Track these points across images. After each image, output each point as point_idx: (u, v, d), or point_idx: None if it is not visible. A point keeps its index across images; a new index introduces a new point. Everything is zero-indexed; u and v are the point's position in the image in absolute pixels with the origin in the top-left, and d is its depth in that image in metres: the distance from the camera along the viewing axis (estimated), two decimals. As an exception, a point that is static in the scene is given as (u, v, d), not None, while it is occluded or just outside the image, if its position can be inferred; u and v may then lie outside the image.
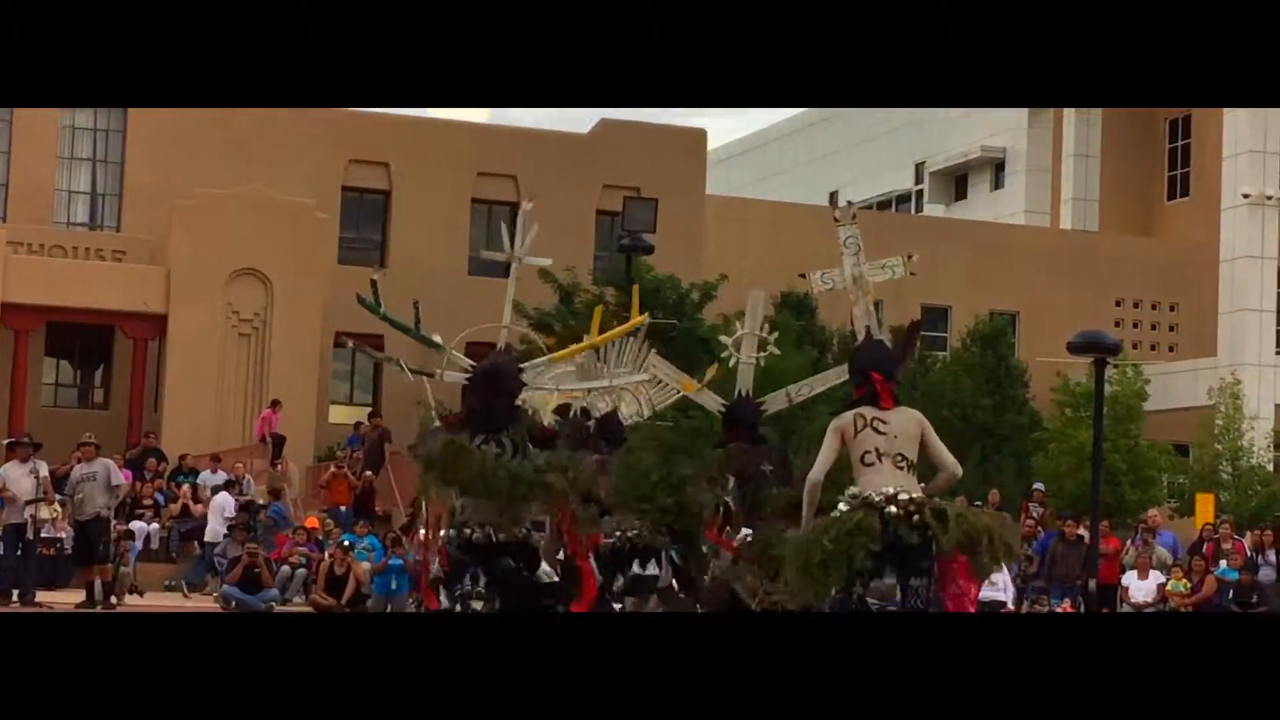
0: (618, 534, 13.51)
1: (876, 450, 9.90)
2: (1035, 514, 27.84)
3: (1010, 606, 24.28)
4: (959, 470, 10.28)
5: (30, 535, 21.74)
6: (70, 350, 39.52)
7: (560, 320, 38.54)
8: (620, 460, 13.89)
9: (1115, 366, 36.00)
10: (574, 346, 13.14)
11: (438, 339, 12.51)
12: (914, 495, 9.72)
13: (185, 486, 29.77)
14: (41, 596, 21.59)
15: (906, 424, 10.10)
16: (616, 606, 13.34)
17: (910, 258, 11.61)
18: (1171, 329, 49.53)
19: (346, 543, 25.65)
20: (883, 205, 59.58)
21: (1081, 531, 25.25)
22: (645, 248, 32.19)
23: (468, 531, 11.13)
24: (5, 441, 25.21)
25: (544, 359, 12.45)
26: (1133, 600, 23.80)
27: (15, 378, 35.75)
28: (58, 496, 22.91)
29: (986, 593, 23.84)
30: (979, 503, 27.23)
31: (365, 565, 25.31)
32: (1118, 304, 48.33)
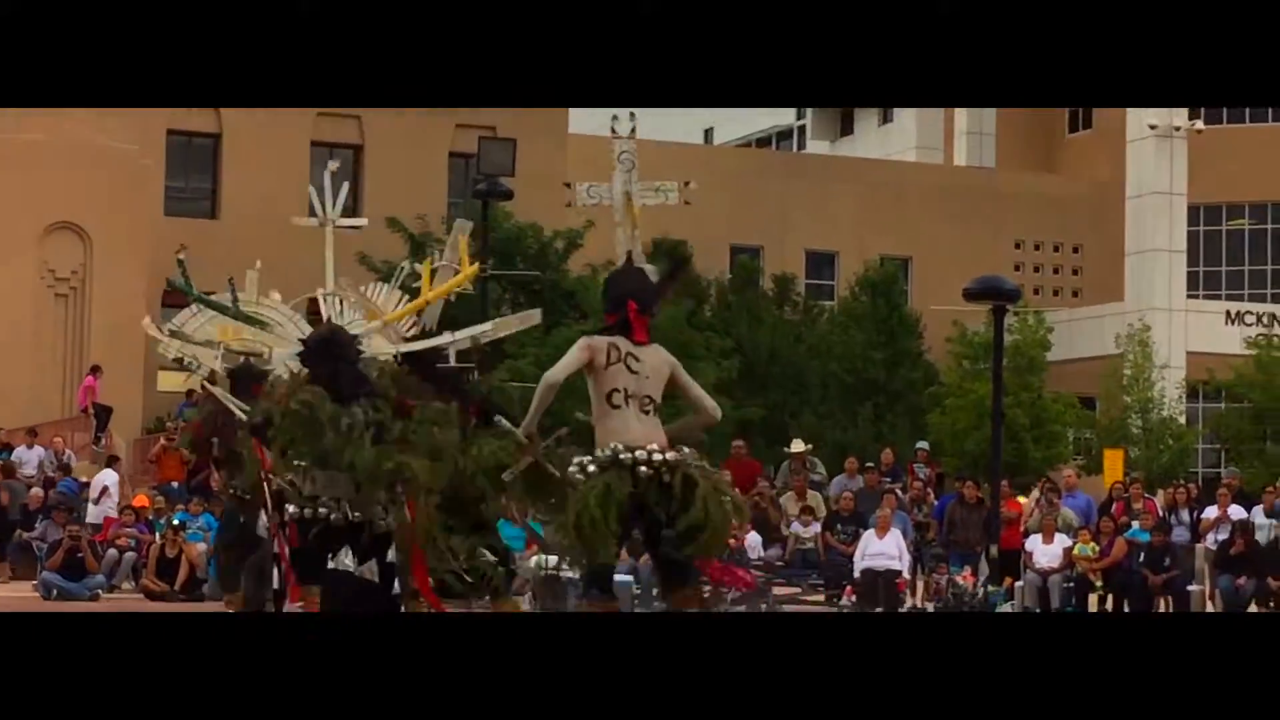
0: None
1: (625, 391, 9.86)
2: (922, 475, 28.07)
3: (906, 575, 24.49)
4: (718, 413, 10.32)
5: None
6: None
7: (411, 273, 38.42)
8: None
9: (1015, 314, 36.40)
10: (406, 307, 13.10)
11: (262, 317, 12.51)
12: (666, 455, 9.76)
13: (-1, 464, 29.40)
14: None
15: (659, 364, 10.03)
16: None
17: (687, 184, 11.54)
18: (1075, 272, 50.15)
19: (179, 522, 25.42)
20: (762, 142, 59.79)
21: (981, 494, 25.49)
22: (503, 193, 31.99)
23: (323, 511, 11.04)
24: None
25: (376, 324, 12.44)
26: (1037, 566, 24.07)
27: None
28: None
29: (880, 561, 24.07)
30: (870, 465, 27.50)
31: (200, 546, 25.11)
32: (1017, 246, 48.85)
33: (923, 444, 30.89)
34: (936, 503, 27.24)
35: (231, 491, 14.71)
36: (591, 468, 9.77)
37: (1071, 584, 23.75)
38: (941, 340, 42.73)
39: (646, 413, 9.89)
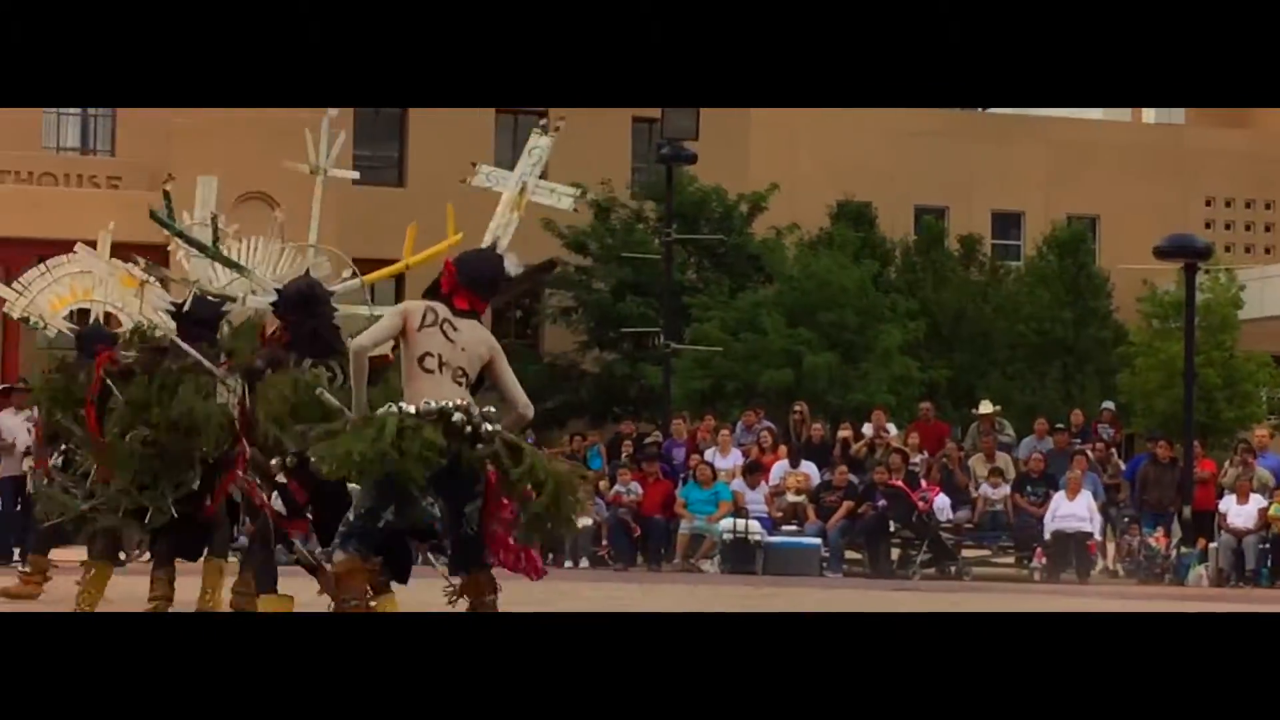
0: None
1: (440, 356, 9.46)
2: (1106, 436, 27.76)
3: (1097, 537, 24.30)
4: (530, 410, 9.83)
5: (30, 489, 21.82)
6: (64, 286, 39.65)
7: (597, 239, 38.57)
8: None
9: (1207, 272, 35.82)
10: (388, 269, 13.08)
11: (242, 261, 12.59)
12: (485, 413, 9.39)
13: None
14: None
15: (477, 342, 9.66)
16: None
17: (584, 195, 11.34)
18: (1267, 229, 49.25)
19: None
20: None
21: (1174, 454, 25.22)
22: (687, 157, 32.10)
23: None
24: None
25: (355, 282, 12.39)
26: (1231, 526, 23.78)
27: (7, 318, 35.83)
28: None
29: (1071, 523, 23.90)
30: (1060, 425, 27.27)
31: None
32: (1208, 203, 48.05)
33: (1108, 404, 30.56)
34: (1127, 464, 27.00)
35: None
36: (410, 409, 9.32)
37: (1267, 545, 23.44)
38: (1130, 299, 42.16)
39: (459, 383, 9.48)
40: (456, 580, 9.78)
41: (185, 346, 12.77)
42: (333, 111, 13.14)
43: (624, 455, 26.79)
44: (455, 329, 9.56)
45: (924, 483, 24.87)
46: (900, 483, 24.39)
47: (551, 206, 11.76)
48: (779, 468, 25.47)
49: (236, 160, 35.58)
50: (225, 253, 12.96)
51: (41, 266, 16.31)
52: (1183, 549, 23.89)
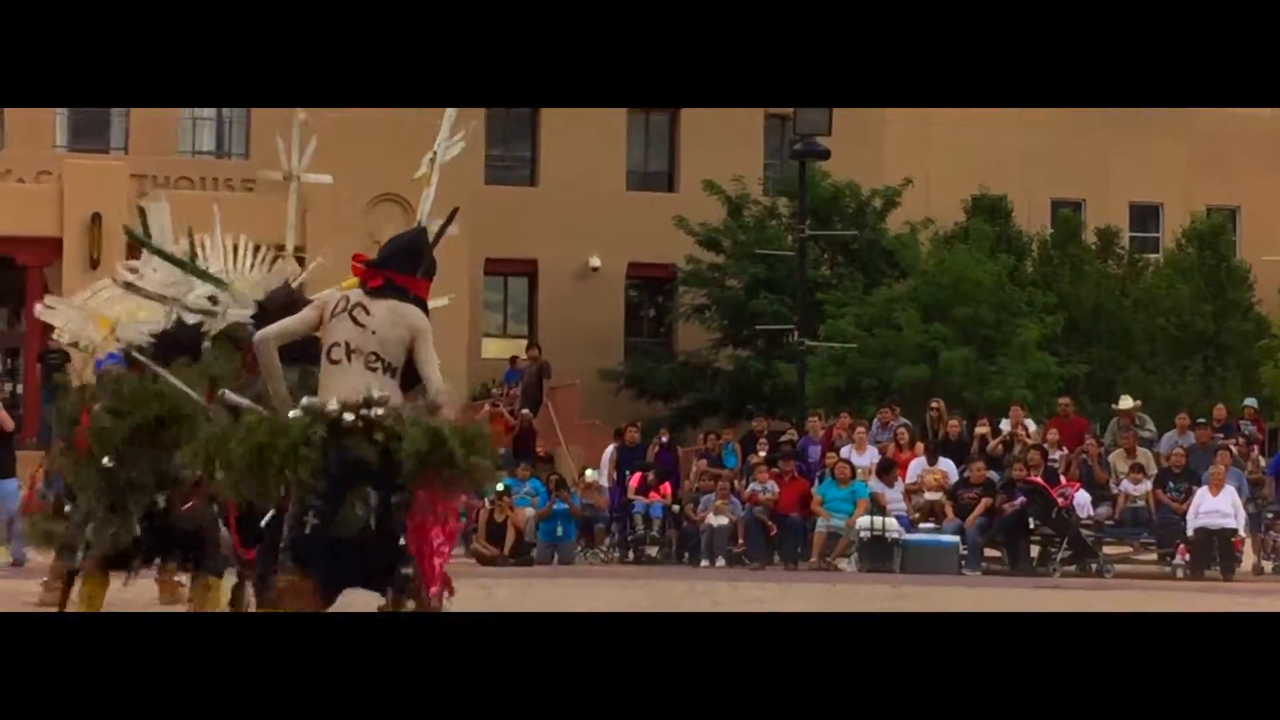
0: None
1: (347, 345, 8.90)
2: (1247, 432, 27.28)
3: (1242, 533, 23.93)
4: (443, 396, 9.01)
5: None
6: (203, 291, 40.03)
7: (730, 236, 38.47)
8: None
9: (1350, 263, 35.30)
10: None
11: (222, 276, 12.50)
12: (378, 400, 8.72)
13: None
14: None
15: (393, 324, 9.01)
16: None
17: (460, 136, 11.15)
18: None
19: (505, 488, 25.78)
20: (1082, 94, 58.80)
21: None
22: (820, 153, 31.97)
23: None
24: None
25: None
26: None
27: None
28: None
29: (1215, 519, 23.54)
30: (1201, 420, 26.88)
31: (528, 511, 25.47)
32: (1351, 192, 47.28)
33: (1250, 401, 30.10)
34: (1271, 459, 26.58)
35: None
36: (295, 413, 8.80)
37: None
38: (1273, 292, 41.58)
39: (373, 370, 8.86)
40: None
41: (171, 378, 12.43)
42: (302, 115, 12.89)
43: (759, 453, 26.69)
44: (368, 313, 9.00)
45: (1063, 479, 24.60)
46: (1039, 479, 24.13)
47: (457, 159, 11.59)
48: (916, 465, 25.28)
49: (368, 162, 35.81)
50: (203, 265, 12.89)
51: (91, 288, 16.33)
52: (1329, 545, 23.51)
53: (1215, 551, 23.54)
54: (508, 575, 21.48)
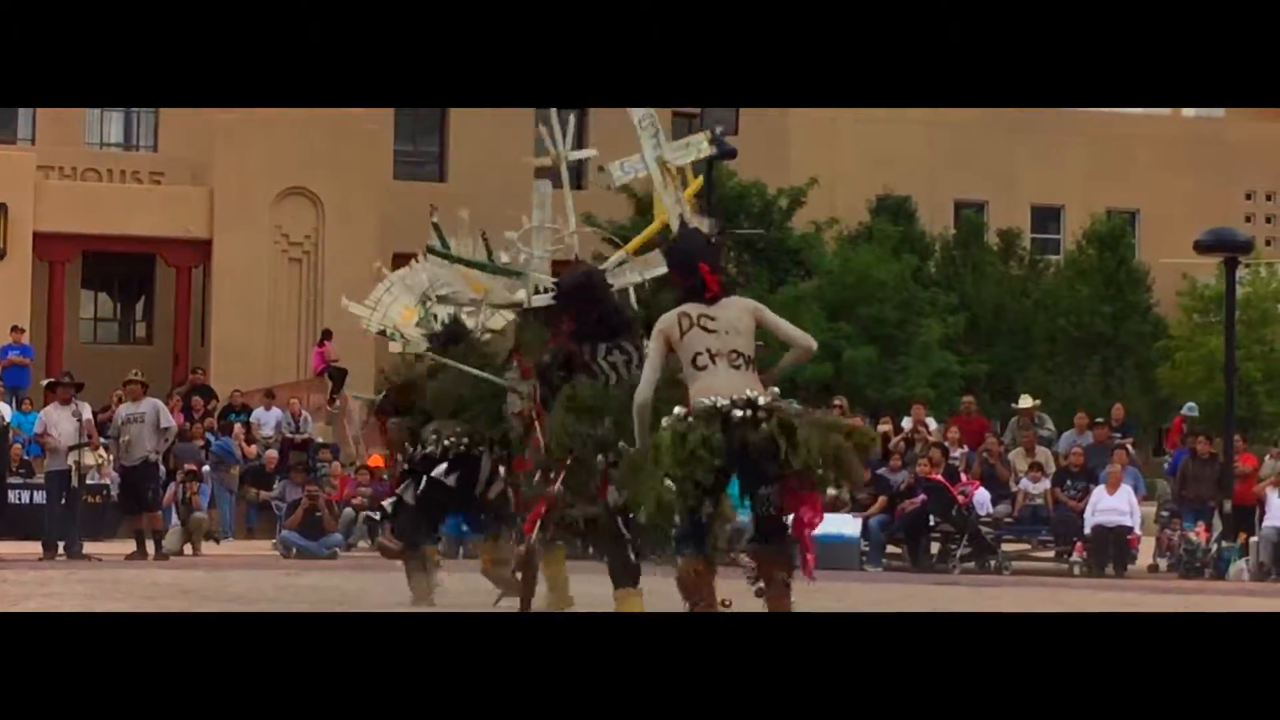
0: (434, 439, 14.39)
1: (709, 351, 9.63)
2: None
3: (1138, 531, 24.21)
4: (812, 344, 10.20)
5: (75, 483, 21.95)
6: (109, 282, 39.88)
7: (636, 232, 38.49)
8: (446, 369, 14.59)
9: (1247, 266, 35.74)
10: (645, 231, 13.14)
11: (516, 267, 12.73)
12: (760, 399, 9.49)
13: (238, 426, 29.99)
14: (89, 548, 21.85)
15: (737, 317, 9.78)
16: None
17: (713, 132, 11.42)
18: (1309, 223, 49.01)
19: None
20: (986, 96, 59.17)
21: (1214, 448, 25.11)
22: (727, 152, 32.03)
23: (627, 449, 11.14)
24: (44, 382, 25.44)
25: (620, 254, 12.56)
26: (1272, 521, 23.66)
27: (51, 313, 36.10)
28: (102, 440, 23.14)
29: (1111, 517, 23.82)
30: (1099, 420, 27.14)
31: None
32: (1248, 197, 47.80)
33: (1190, 409, 30.13)
34: (1170, 460, 26.87)
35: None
36: (673, 421, 9.52)
37: (1308, 540, 23.32)
38: (1170, 293, 42.05)
39: (737, 367, 9.64)
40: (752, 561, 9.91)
41: (463, 367, 13.64)
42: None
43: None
44: (713, 319, 9.70)
45: (964, 477, 24.82)
46: (940, 477, 24.34)
47: (696, 159, 11.81)
48: (819, 462, 25.40)
49: (277, 155, 35.72)
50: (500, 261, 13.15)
51: (387, 281, 16.68)
52: (1223, 543, 23.79)
53: (1111, 549, 23.81)
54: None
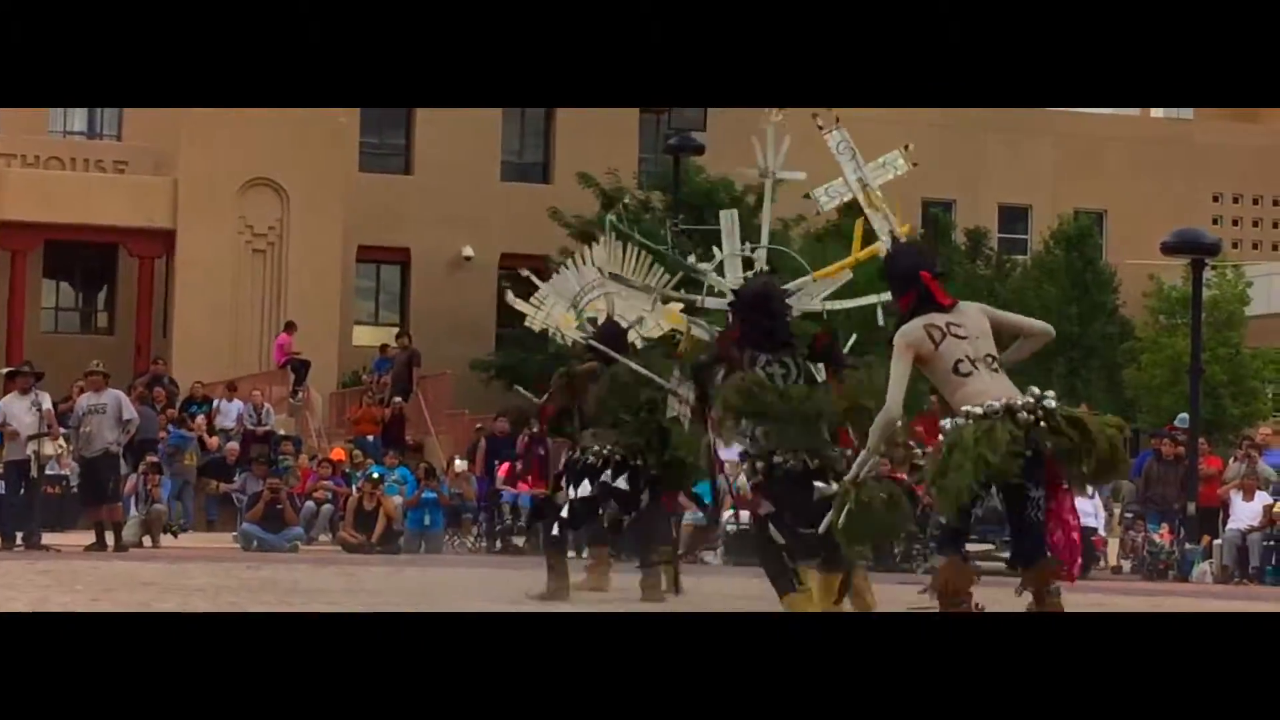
0: (594, 448, 14.46)
1: (968, 358, 9.61)
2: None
3: (1102, 533, 24.26)
4: (1050, 328, 10.27)
5: (34, 473, 21.86)
6: (71, 271, 39.73)
7: (603, 228, 38.48)
8: (605, 374, 14.64)
9: (1214, 268, 35.84)
10: (838, 264, 13.25)
11: (704, 265, 12.87)
12: (1047, 401, 9.49)
13: (200, 418, 29.91)
14: (48, 539, 21.77)
15: (977, 320, 9.83)
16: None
17: (907, 148, 11.47)
18: (1275, 225, 49.20)
19: (376, 475, 25.74)
20: (955, 95, 59.27)
21: (1179, 450, 25.16)
22: (695, 148, 32.05)
23: (780, 460, 11.18)
24: (4, 371, 25.35)
25: (806, 278, 12.69)
26: (1236, 524, 23.73)
27: (12, 302, 35.98)
28: (62, 430, 23.04)
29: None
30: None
31: (397, 499, 25.42)
32: (1215, 199, 47.99)
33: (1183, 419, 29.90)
34: (1134, 461, 26.89)
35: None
36: (977, 410, 9.44)
37: (1271, 542, 23.38)
38: (1137, 295, 42.16)
39: (995, 371, 9.67)
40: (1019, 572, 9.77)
41: (635, 366, 13.95)
42: (777, 116, 13.21)
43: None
44: (960, 326, 9.73)
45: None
46: (904, 476, 24.33)
47: (893, 178, 11.90)
48: (783, 460, 25.40)
49: (243, 146, 35.60)
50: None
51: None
52: (1187, 546, 23.85)
53: (1076, 550, 23.85)
54: (376, 562, 21.45)
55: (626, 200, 14.22)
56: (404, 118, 41.30)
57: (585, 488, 14.45)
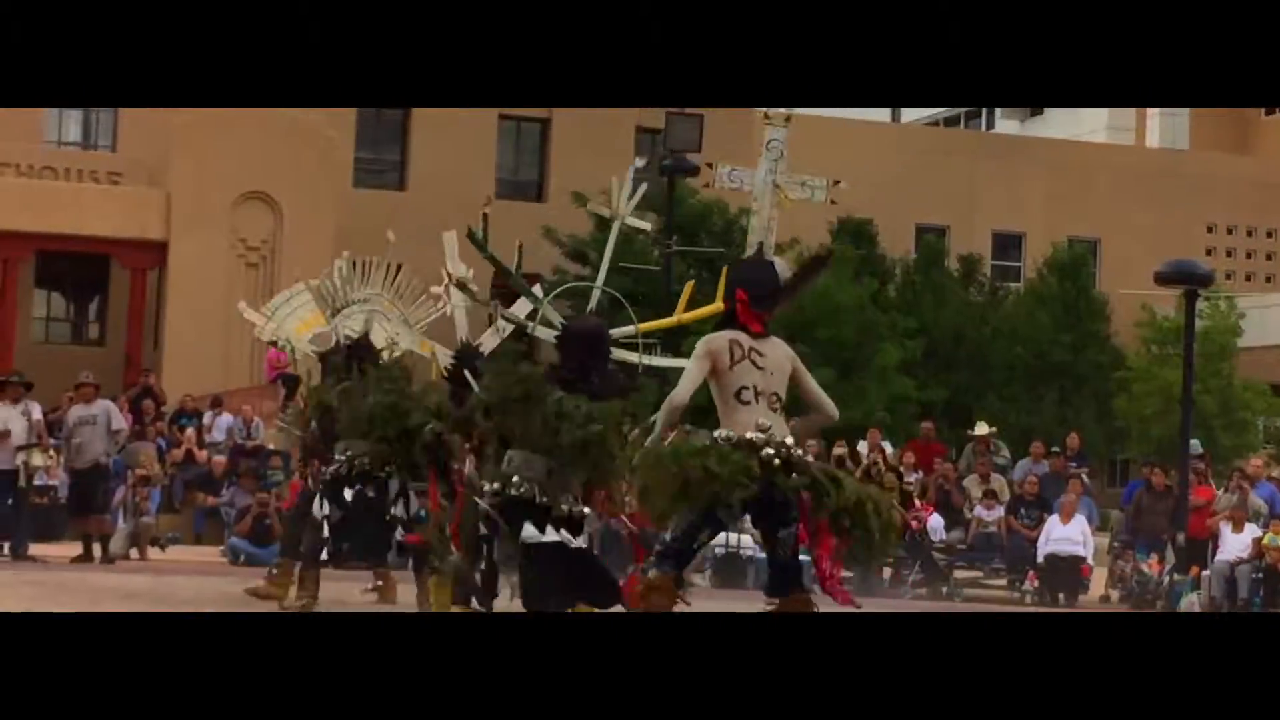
0: (342, 459, 14.74)
1: (755, 387, 9.65)
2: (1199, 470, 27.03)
3: (1090, 561, 24.29)
4: (836, 413, 10.18)
5: (22, 483, 21.86)
6: (62, 281, 39.70)
7: (597, 248, 38.54)
8: (348, 388, 14.99)
9: (1207, 299, 35.85)
10: (660, 322, 13.31)
11: (538, 290, 12.84)
12: (795, 448, 9.58)
13: (189, 431, 29.88)
14: (35, 549, 21.76)
15: (781, 360, 9.85)
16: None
17: (837, 184, 11.38)
18: (1269, 257, 49.30)
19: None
20: (950, 122, 59.40)
21: (1169, 481, 25.19)
22: (690, 169, 32.08)
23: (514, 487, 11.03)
24: (-7, 381, 25.30)
25: (631, 328, 12.64)
26: (1225, 556, 23.75)
27: (3, 311, 35.94)
28: (52, 441, 23.02)
29: (1064, 547, 23.89)
30: (1055, 449, 27.24)
31: (385, 516, 25.38)
32: (1209, 230, 48.08)
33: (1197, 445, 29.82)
34: (1124, 490, 26.93)
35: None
36: (727, 438, 9.50)
37: (1260, 574, 23.40)
38: (1129, 324, 42.22)
39: (775, 410, 9.68)
40: (773, 603, 9.87)
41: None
42: (639, 162, 13.31)
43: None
44: (762, 355, 9.73)
45: (918, 502, 24.85)
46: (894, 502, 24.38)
47: (807, 200, 11.80)
48: (773, 483, 25.42)
49: (236, 158, 35.61)
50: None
51: (286, 293, 17.03)
52: (1176, 576, 23.87)
53: (1064, 578, 23.88)
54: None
55: (485, 209, 14.12)
56: (399, 132, 41.33)
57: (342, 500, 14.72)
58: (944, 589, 24.05)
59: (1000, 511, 24.94)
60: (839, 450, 26.80)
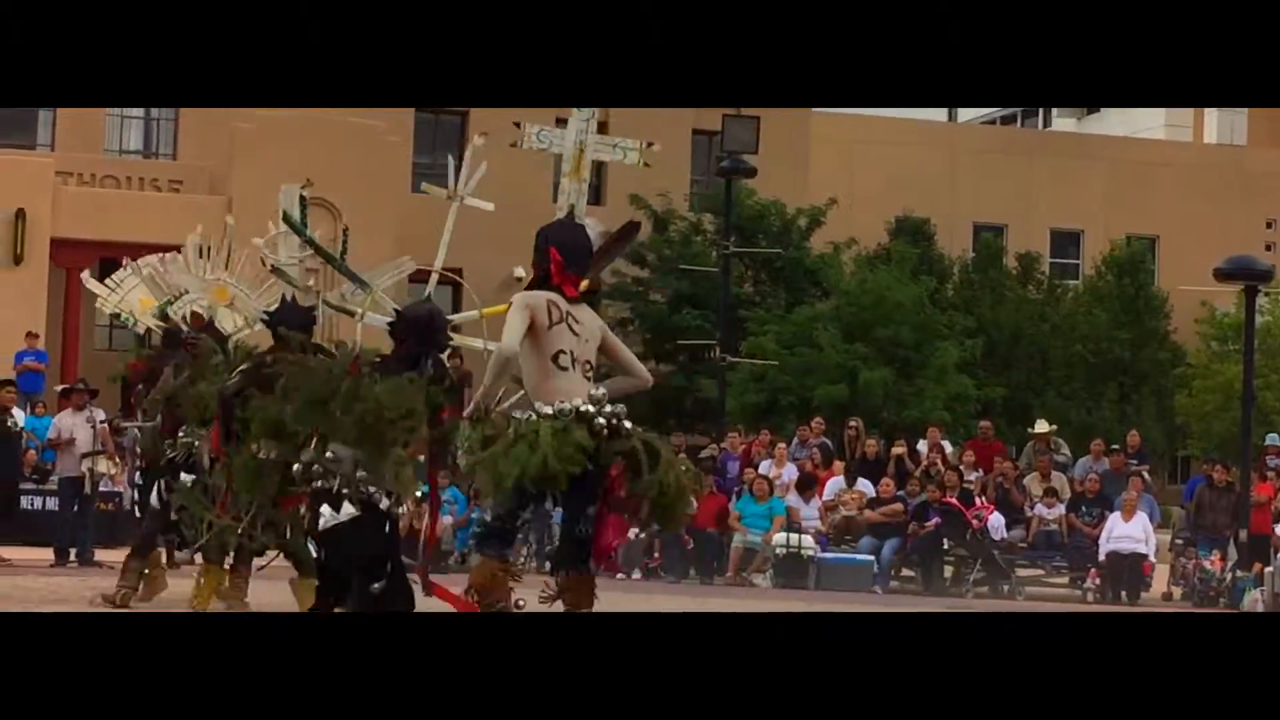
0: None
1: (571, 353, 9.43)
2: (1273, 466, 26.91)
3: (1152, 559, 24.17)
4: (649, 378, 10.08)
5: (88, 490, 21.97)
6: (125, 289, 39.89)
7: (655, 251, 38.58)
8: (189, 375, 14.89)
9: (1267, 295, 35.69)
10: (503, 306, 13.06)
11: (365, 277, 12.64)
12: (624, 416, 9.40)
13: (251, 435, 29.94)
14: (101, 555, 21.85)
15: (593, 327, 9.63)
16: None
17: (650, 145, 11.22)
18: (1328, 252, 48.97)
19: (422, 495, 25.68)
20: (1006, 120, 59.21)
21: (1230, 477, 25.06)
22: (746, 170, 32.08)
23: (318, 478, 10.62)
24: (59, 388, 25.46)
25: (475, 312, 12.49)
26: (1287, 551, 23.60)
27: (67, 319, 36.13)
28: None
29: (1125, 544, 23.78)
30: (1115, 446, 27.12)
31: (446, 520, 25.46)
32: (1269, 225, 47.81)
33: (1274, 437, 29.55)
34: (1185, 486, 26.79)
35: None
36: (547, 410, 9.23)
37: (1323, 571, 23.23)
38: (1188, 321, 42.05)
39: (588, 378, 9.49)
40: (557, 579, 9.63)
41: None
42: (478, 140, 13.25)
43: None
44: (578, 321, 9.53)
45: (979, 501, 24.77)
46: (955, 501, 24.31)
47: (619, 162, 11.70)
48: (833, 483, 25.41)
49: (296, 165, 35.70)
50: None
51: (131, 266, 16.92)
52: (1238, 573, 23.74)
53: (1125, 576, 23.78)
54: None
55: (304, 191, 13.98)
56: (457, 137, 41.40)
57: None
58: (1005, 587, 23.97)
59: (1061, 509, 24.84)
60: (898, 449, 26.75)
